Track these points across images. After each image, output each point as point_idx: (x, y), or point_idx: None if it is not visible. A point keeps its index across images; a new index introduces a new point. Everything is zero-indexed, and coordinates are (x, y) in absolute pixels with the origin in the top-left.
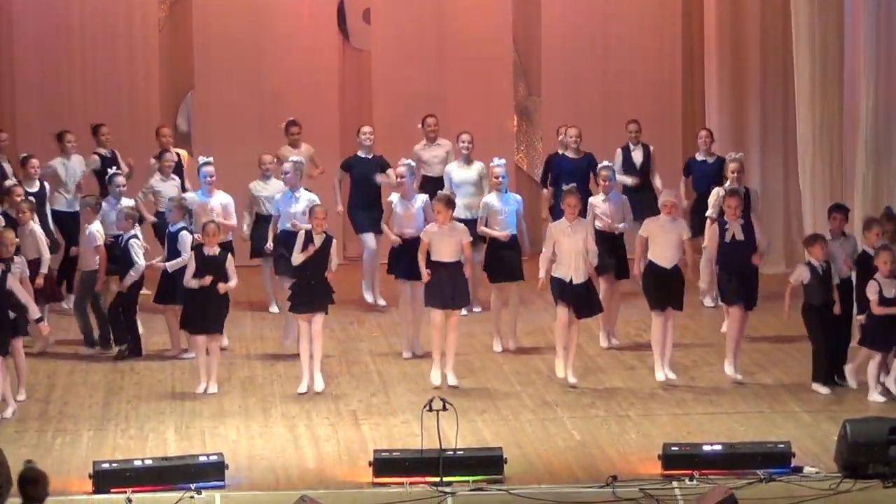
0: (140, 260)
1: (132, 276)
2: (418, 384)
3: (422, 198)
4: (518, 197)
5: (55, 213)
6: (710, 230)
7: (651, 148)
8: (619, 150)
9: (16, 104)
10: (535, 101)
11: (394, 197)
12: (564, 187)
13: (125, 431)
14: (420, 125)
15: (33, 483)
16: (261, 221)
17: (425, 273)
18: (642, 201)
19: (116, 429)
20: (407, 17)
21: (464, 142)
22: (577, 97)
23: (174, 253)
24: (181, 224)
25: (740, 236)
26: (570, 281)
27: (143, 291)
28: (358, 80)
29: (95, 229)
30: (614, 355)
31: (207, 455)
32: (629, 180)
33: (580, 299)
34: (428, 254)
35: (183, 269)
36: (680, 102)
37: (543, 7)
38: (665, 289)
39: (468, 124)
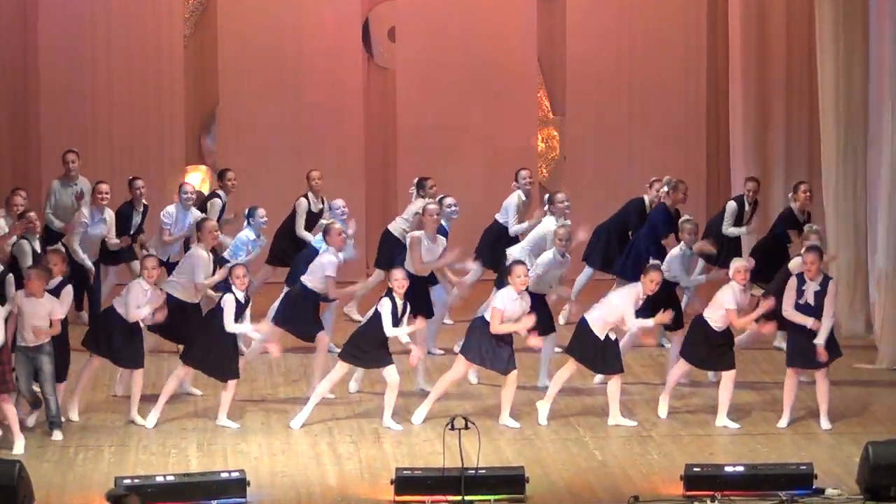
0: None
1: None
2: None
3: (441, 241)
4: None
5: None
6: (788, 286)
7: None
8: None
9: (41, 124)
10: (559, 120)
11: (420, 233)
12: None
13: (147, 447)
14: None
15: None
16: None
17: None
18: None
19: (139, 445)
20: (432, 35)
21: (450, 206)
22: (600, 117)
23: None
24: None
25: (811, 300)
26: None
27: None
28: (382, 98)
29: None
30: (637, 376)
31: (229, 472)
32: (742, 230)
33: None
34: None
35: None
36: (704, 128)
37: (568, 27)
38: (711, 351)
39: (492, 141)
